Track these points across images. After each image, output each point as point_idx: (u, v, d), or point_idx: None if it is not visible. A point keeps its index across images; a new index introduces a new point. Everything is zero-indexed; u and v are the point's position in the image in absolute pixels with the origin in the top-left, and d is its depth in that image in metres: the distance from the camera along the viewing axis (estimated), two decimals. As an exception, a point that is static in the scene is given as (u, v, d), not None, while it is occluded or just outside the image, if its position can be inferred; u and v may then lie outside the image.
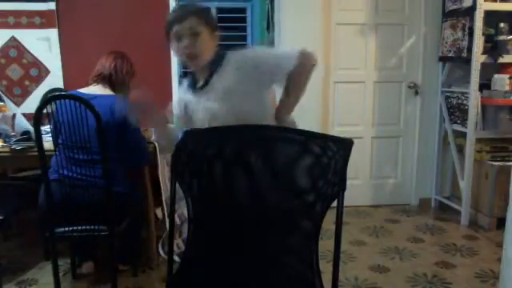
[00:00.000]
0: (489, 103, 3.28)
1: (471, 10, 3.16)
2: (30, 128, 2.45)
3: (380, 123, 3.78)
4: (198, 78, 1.71)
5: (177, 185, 1.26)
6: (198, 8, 1.68)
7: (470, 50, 3.19)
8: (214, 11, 1.77)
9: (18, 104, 3.39)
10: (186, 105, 1.74)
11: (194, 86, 1.72)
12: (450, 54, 3.45)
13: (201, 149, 1.26)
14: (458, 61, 3.43)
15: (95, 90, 2.32)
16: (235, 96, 1.59)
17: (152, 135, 2.72)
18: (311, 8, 3.48)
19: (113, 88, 2.36)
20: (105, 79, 2.36)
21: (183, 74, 5.69)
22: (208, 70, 1.65)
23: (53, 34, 3.34)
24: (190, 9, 1.66)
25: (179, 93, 1.84)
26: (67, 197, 2.11)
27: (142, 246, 2.70)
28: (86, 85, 2.37)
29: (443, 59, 3.58)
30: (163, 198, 2.57)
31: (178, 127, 1.79)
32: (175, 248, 2.44)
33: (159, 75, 3.43)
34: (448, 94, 3.59)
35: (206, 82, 1.66)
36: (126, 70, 2.42)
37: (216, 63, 1.65)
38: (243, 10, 6.64)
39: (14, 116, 2.72)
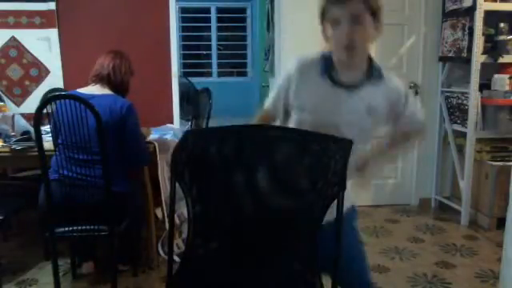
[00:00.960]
0: (489, 103, 3.28)
1: (471, 10, 3.16)
2: (30, 128, 2.45)
3: (380, 123, 3.77)
4: (337, 69, 1.42)
5: (177, 185, 1.26)
6: None
7: (470, 49, 3.19)
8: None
9: (17, 104, 3.39)
10: (307, 83, 1.46)
11: (330, 74, 1.42)
12: (450, 54, 3.45)
13: (201, 149, 1.26)
14: (458, 61, 3.42)
15: (93, 89, 2.32)
16: (373, 119, 1.40)
17: (151, 134, 2.72)
18: (311, 8, 3.46)
19: (111, 87, 2.36)
20: (103, 79, 2.35)
21: (183, 74, 5.69)
22: (359, 70, 1.41)
23: (53, 34, 3.33)
24: None
25: (297, 64, 1.49)
26: (67, 197, 2.11)
27: (142, 246, 2.69)
28: (86, 85, 2.37)
29: (443, 59, 3.58)
30: (163, 198, 2.56)
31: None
32: (175, 248, 2.45)
33: (159, 75, 3.42)
34: (448, 94, 3.59)
35: (355, 85, 1.39)
36: (125, 70, 2.41)
37: (374, 71, 1.41)
38: (243, 10, 6.64)
39: (13, 116, 2.72)
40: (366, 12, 1.34)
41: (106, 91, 2.33)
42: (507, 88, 3.15)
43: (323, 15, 1.41)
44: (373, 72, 1.42)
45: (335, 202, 1.18)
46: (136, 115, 2.31)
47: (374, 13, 1.35)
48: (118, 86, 2.38)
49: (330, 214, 1.19)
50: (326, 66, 1.44)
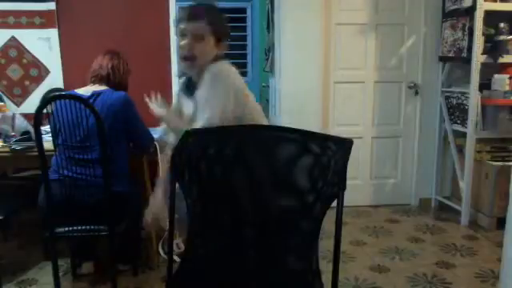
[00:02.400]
0: (489, 103, 3.28)
1: (471, 9, 3.16)
2: (30, 128, 2.45)
3: (380, 123, 3.78)
4: (195, 81, 1.75)
5: (177, 185, 1.26)
6: (212, 11, 1.67)
7: (470, 49, 3.19)
8: (226, 20, 1.76)
9: (18, 104, 3.39)
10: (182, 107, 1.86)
11: (188, 90, 1.80)
12: (450, 54, 3.45)
13: (200, 149, 1.26)
14: (457, 61, 3.42)
15: (91, 90, 2.32)
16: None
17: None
18: (311, 8, 3.48)
19: (110, 87, 2.35)
20: (102, 80, 2.35)
21: (182, 74, 5.69)
22: (201, 75, 1.70)
23: (53, 33, 3.33)
24: (202, 10, 1.66)
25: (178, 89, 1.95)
26: (67, 197, 2.11)
27: (142, 246, 2.69)
28: (86, 85, 2.36)
29: (443, 59, 3.58)
30: (163, 198, 2.56)
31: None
32: (175, 248, 2.45)
33: (159, 75, 3.42)
34: (448, 94, 3.59)
35: (195, 89, 1.72)
36: (123, 70, 2.42)
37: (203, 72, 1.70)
38: (243, 10, 6.64)
39: (13, 116, 2.72)
40: (208, 32, 1.63)
41: (102, 88, 2.33)
42: (507, 88, 3.15)
43: (176, 26, 1.69)
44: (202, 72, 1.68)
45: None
46: (133, 103, 2.32)
47: (217, 34, 1.65)
48: (117, 85, 2.38)
49: None
50: (187, 82, 1.80)
